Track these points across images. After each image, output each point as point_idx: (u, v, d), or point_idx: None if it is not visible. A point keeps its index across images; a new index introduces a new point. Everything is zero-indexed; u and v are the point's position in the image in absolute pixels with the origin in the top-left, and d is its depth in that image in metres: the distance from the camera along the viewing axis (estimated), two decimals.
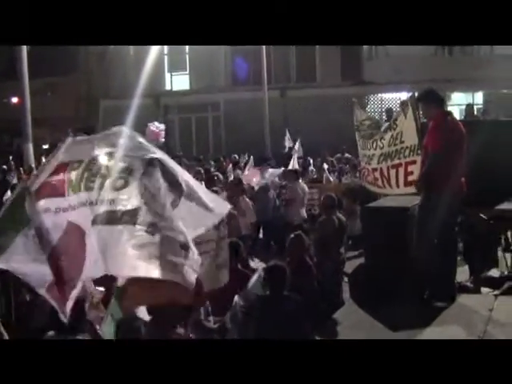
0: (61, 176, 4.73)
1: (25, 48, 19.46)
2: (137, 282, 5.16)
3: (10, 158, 22.54)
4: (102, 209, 4.57)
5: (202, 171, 17.56)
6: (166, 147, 31.57)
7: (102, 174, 4.66)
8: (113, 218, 4.56)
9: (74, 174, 4.73)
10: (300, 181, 14.09)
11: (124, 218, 4.52)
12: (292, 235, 8.75)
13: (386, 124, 10.74)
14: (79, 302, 4.84)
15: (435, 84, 8.59)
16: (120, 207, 4.55)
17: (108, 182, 4.60)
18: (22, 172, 19.03)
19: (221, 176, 16.04)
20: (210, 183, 14.40)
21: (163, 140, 19.38)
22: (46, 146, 30.21)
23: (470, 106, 18.02)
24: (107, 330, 5.43)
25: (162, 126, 19.55)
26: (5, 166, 21.62)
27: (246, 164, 19.17)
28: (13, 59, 20.95)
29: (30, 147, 20.57)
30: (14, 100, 29.77)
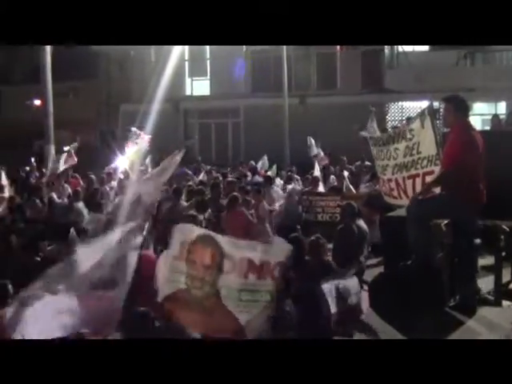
0: None
1: (49, 51, 19.61)
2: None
3: (32, 159, 22.70)
4: None
5: (220, 177, 17.62)
6: (185, 151, 31.87)
7: None
8: None
9: None
10: (274, 186, 15.01)
11: None
12: (312, 237, 8.75)
13: (392, 132, 10.67)
14: None
15: (457, 93, 8.48)
16: None
17: None
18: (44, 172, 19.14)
19: (242, 183, 16.10)
20: (229, 188, 14.43)
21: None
22: (66, 148, 30.39)
23: (496, 117, 17.51)
24: None
25: None
26: (27, 167, 21.87)
27: (266, 171, 19.27)
28: (36, 62, 21.12)
29: (52, 148, 20.75)
30: (37, 102, 29.99)
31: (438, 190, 7.87)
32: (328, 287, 7.02)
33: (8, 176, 18.32)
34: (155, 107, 24.38)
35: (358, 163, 20.64)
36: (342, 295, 7.20)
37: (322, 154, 21.14)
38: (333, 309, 6.94)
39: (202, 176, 19.47)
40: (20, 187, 17.64)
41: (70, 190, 16.01)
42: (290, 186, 15.79)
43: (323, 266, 8.28)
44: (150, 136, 18.98)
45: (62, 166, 17.83)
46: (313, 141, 22.25)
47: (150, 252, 8.90)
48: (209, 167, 22.34)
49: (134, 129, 19.28)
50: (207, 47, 33.53)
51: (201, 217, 11.34)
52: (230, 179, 16.68)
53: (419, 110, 9.82)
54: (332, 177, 17.84)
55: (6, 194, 15.98)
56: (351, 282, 7.47)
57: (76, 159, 19.21)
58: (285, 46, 26.92)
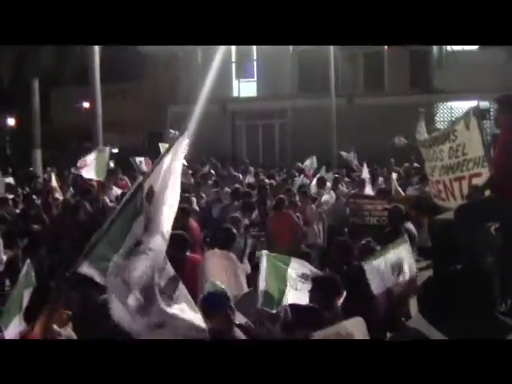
0: None
1: (97, 53, 19.84)
2: None
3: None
4: None
5: (267, 179, 17.58)
6: (232, 153, 32.03)
7: None
8: None
9: None
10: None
11: None
12: (363, 241, 8.68)
13: (436, 133, 10.52)
14: None
15: (509, 93, 8.30)
16: None
17: None
18: None
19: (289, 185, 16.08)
20: (275, 190, 14.42)
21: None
22: (115, 150, 30.78)
23: None
24: None
25: None
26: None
27: (314, 174, 19.14)
28: (85, 64, 21.37)
29: None
30: (86, 105, 30.35)
31: (488, 193, 7.73)
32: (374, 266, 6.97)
33: (58, 178, 18.58)
34: (203, 109, 24.51)
35: (407, 165, 20.46)
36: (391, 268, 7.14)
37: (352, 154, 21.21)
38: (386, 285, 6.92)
39: (249, 178, 19.50)
40: (72, 189, 17.85)
41: (118, 193, 16.12)
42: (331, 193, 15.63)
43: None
44: (187, 139, 18.96)
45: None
46: (344, 153, 22.26)
47: (196, 254, 8.94)
48: (252, 169, 22.34)
49: (172, 131, 19.37)
50: (254, 49, 33.61)
51: (245, 219, 11.38)
52: (276, 181, 16.68)
53: (464, 111, 9.68)
54: (380, 179, 17.69)
55: (57, 195, 16.17)
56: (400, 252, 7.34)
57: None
58: (332, 46, 26.74)
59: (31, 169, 26.46)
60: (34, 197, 15.48)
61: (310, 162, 21.67)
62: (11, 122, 43.56)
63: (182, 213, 9.78)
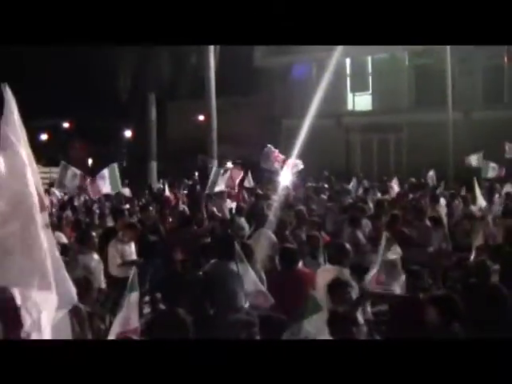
0: None
1: (212, 67, 20.22)
2: None
3: (196, 173, 23.47)
4: None
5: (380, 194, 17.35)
6: (346, 167, 31.78)
7: None
8: None
9: None
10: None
11: None
12: (479, 259, 8.43)
13: None
14: None
15: None
16: None
17: None
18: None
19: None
20: (389, 206, 14.21)
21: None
22: (229, 163, 31.26)
23: None
24: None
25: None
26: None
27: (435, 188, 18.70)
28: (201, 78, 21.81)
29: (215, 163, 21.36)
30: (200, 118, 30.91)
31: None
32: None
33: (171, 189, 18.98)
34: (317, 122, 24.45)
35: None
36: None
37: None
38: None
39: (362, 192, 19.33)
40: (188, 201, 18.17)
41: (231, 204, 16.26)
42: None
43: (490, 289, 7.91)
44: (284, 157, 18.81)
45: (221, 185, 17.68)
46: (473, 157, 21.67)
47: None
48: (366, 183, 22.13)
49: (269, 146, 19.33)
50: (369, 62, 33.38)
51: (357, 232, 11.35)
52: (391, 197, 16.48)
53: None
54: (496, 195, 17.11)
55: (171, 206, 16.47)
56: None
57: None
58: (449, 60, 26.18)
59: (147, 180, 27.15)
60: (150, 208, 15.83)
61: (430, 176, 21.41)
62: (128, 134, 45.04)
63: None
